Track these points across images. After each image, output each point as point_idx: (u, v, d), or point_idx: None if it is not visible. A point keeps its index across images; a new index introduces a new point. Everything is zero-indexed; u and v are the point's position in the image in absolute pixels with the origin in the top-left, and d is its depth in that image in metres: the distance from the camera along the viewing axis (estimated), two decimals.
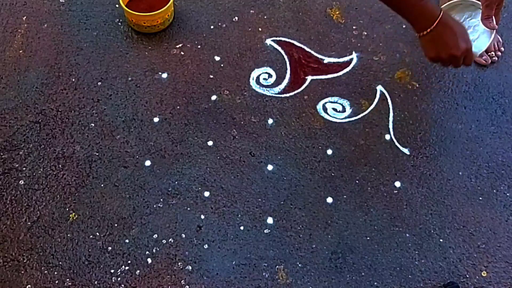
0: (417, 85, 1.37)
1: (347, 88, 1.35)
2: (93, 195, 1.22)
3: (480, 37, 1.15)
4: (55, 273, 1.13)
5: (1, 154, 1.26)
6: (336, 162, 1.26)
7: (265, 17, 1.47)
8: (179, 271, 1.13)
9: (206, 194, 1.22)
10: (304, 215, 1.19)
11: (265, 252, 1.16)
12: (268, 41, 1.43)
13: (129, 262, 1.14)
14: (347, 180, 1.24)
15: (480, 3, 1.09)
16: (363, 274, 1.13)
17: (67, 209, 1.20)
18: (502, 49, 1.40)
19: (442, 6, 1.12)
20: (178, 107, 1.33)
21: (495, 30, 1.11)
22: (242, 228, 1.18)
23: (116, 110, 1.33)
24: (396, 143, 1.28)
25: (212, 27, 1.46)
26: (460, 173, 1.25)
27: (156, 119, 1.32)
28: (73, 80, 1.37)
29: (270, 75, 1.38)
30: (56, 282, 1.12)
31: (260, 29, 1.45)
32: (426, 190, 1.23)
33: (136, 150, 1.27)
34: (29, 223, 1.18)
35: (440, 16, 0.97)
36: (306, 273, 1.13)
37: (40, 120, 1.31)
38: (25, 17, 1.47)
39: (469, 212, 1.20)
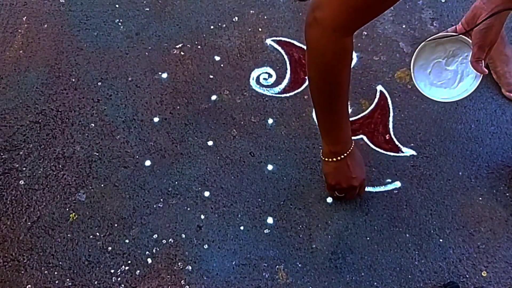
0: None
1: None
2: (93, 195, 1.22)
3: (465, 80, 1.07)
4: (55, 273, 1.13)
5: (1, 154, 1.26)
6: None
7: (265, 17, 1.47)
8: (179, 271, 1.13)
9: (206, 194, 1.22)
10: (304, 215, 1.19)
11: (265, 252, 1.16)
12: (268, 41, 1.43)
13: (129, 262, 1.14)
14: None
15: (469, 40, 1.00)
16: (363, 274, 1.13)
17: (67, 209, 1.20)
18: None
19: (426, 41, 1.04)
20: (178, 107, 1.33)
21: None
22: (242, 228, 1.18)
23: (116, 110, 1.33)
24: (396, 143, 1.28)
25: (212, 27, 1.46)
26: (460, 173, 1.25)
27: (156, 119, 1.32)
28: (73, 80, 1.37)
29: (270, 75, 1.38)
30: (56, 282, 1.12)
31: (260, 29, 1.45)
32: (426, 190, 1.23)
33: (136, 150, 1.27)
34: (29, 223, 1.18)
35: (351, 148, 1.00)
36: (306, 273, 1.13)
37: (40, 120, 1.31)
38: (25, 17, 1.47)
39: (469, 212, 1.20)
